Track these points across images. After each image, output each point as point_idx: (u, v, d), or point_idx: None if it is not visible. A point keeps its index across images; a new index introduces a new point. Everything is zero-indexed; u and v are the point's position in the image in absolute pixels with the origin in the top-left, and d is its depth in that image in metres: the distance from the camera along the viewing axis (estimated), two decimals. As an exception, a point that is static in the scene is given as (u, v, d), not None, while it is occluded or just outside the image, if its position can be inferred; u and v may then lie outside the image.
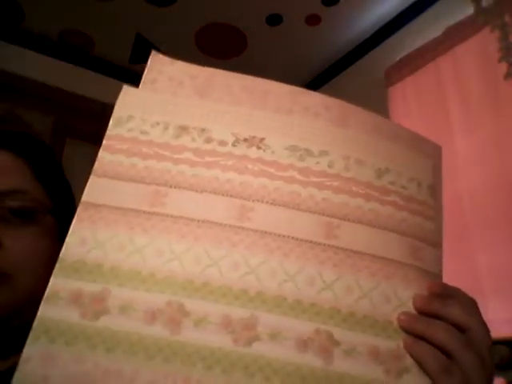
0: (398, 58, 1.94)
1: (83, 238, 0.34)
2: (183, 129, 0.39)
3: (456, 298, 0.35)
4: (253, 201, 0.36)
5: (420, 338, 0.33)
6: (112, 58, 2.32)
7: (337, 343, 0.33)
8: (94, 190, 0.36)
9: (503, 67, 1.50)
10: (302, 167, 0.38)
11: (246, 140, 0.38)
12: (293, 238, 0.36)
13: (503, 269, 1.41)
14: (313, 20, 2.09)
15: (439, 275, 0.37)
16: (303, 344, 0.33)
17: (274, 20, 2.09)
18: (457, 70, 1.68)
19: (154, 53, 0.41)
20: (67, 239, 0.34)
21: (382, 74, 1.98)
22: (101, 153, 0.37)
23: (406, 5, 1.99)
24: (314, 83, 2.37)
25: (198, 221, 0.35)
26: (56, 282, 0.33)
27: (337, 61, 2.33)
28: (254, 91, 0.41)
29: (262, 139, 0.39)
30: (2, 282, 0.46)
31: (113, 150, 0.38)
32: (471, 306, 0.35)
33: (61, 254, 0.34)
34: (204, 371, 0.31)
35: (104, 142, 0.38)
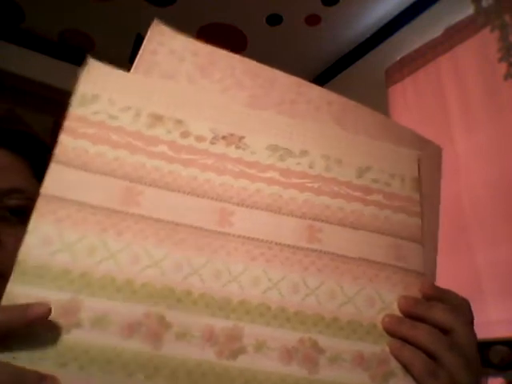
0: (398, 58, 1.94)
1: (47, 237, 0.30)
2: (157, 118, 0.35)
3: (443, 299, 0.35)
4: (233, 204, 0.35)
5: (405, 340, 0.33)
6: (112, 58, 2.32)
7: (321, 351, 0.32)
8: (56, 181, 0.32)
9: (503, 67, 1.49)
10: (283, 168, 0.37)
11: (224, 138, 0.36)
12: (275, 243, 0.34)
13: (503, 269, 1.41)
14: (313, 20, 2.09)
15: (427, 273, 0.37)
16: (288, 354, 0.32)
17: (274, 20, 2.09)
18: (457, 70, 1.68)
19: (155, 22, 0.39)
20: (26, 237, 0.30)
21: (382, 73, 1.98)
22: (62, 136, 0.33)
23: (406, 5, 1.98)
24: (314, 83, 2.35)
25: (177, 224, 0.33)
26: (14, 289, 0.28)
27: (337, 61, 2.33)
28: (257, 77, 0.39)
29: (242, 138, 0.37)
30: (1, 281, 0.46)
31: (76, 135, 0.33)
32: (459, 307, 0.35)
33: (19, 256, 0.29)
34: None
35: (66, 122, 0.33)
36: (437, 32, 1.77)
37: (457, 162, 1.57)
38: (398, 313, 0.34)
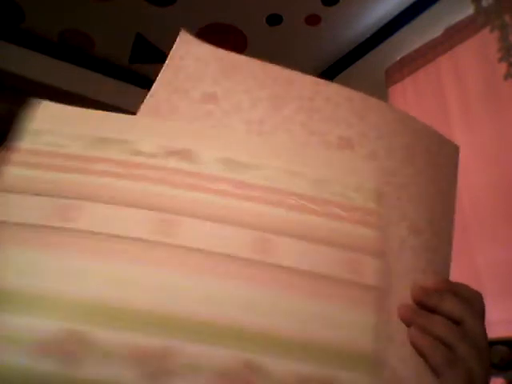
0: (398, 58, 1.94)
1: None
2: (106, 141, 0.36)
3: (455, 292, 0.35)
4: (181, 215, 0.33)
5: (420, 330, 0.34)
6: (112, 58, 2.32)
7: (260, 373, 0.29)
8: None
9: (503, 67, 1.49)
10: (237, 180, 0.36)
11: (175, 153, 0.36)
12: (223, 254, 0.32)
13: (503, 269, 1.41)
14: (313, 20, 2.09)
15: (379, 287, 0.35)
16: (226, 377, 0.29)
17: (274, 20, 2.09)
18: (457, 70, 1.68)
19: (182, 32, 0.41)
20: None
21: (382, 73, 1.98)
22: (5, 168, 0.34)
23: (406, 5, 1.99)
24: (314, 83, 2.36)
25: (114, 236, 0.31)
26: None
27: (337, 61, 2.33)
28: (277, 78, 0.40)
29: (193, 152, 0.36)
30: None
31: (26, 165, 0.34)
32: (470, 299, 0.35)
33: None
34: None
35: (12, 155, 0.35)
36: (437, 32, 1.77)
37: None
38: (348, 334, 0.32)
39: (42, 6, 2.02)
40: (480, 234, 1.49)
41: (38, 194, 0.33)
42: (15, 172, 0.34)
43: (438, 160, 0.42)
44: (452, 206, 0.41)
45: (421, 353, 0.33)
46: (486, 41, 1.57)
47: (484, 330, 0.34)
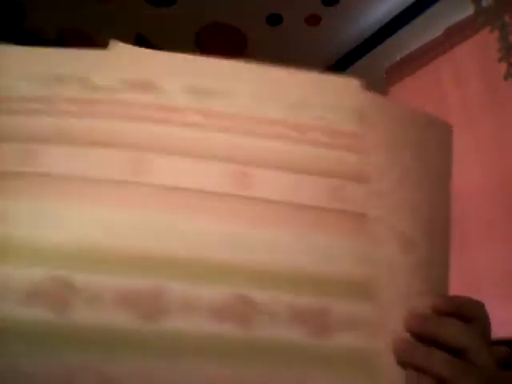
0: (398, 58, 1.94)
1: None
2: (58, 79, 0.33)
3: (456, 312, 0.32)
4: (150, 152, 0.31)
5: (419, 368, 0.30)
6: (112, 57, 2.32)
7: (256, 306, 0.29)
8: None
9: (503, 67, 1.49)
10: (204, 109, 0.33)
11: (136, 85, 0.33)
12: (200, 191, 0.31)
13: (503, 269, 1.41)
14: (313, 20, 2.08)
15: (367, 214, 0.33)
16: (219, 312, 0.28)
17: (274, 20, 2.08)
18: (457, 70, 1.68)
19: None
20: None
21: (382, 73, 1.98)
22: None
23: (406, 5, 1.98)
24: (314, 83, 2.36)
25: (86, 179, 0.30)
26: None
27: (337, 61, 2.33)
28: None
29: (155, 82, 0.33)
30: None
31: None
32: (473, 318, 0.32)
33: None
34: (104, 357, 0.26)
35: None
36: (437, 32, 1.77)
37: (456, 161, 1.57)
38: (336, 263, 0.31)
39: (43, 6, 2.02)
40: (479, 233, 1.49)
41: (4, 141, 0.31)
42: None
43: (428, 151, 0.38)
44: (447, 203, 0.37)
45: None
46: (486, 41, 1.56)
47: (490, 354, 0.31)
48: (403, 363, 0.30)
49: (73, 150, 0.31)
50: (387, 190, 0.34)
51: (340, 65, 2.31)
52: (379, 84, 1.96)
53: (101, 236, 0.28)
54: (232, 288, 0.29)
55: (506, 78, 1.48)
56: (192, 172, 0.31)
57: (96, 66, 0.34)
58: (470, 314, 0.32)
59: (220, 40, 2.18)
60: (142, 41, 2.22)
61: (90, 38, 2.21)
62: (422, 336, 0.31)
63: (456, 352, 0.30)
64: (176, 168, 0.31)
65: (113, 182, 0.30)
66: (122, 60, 0.35)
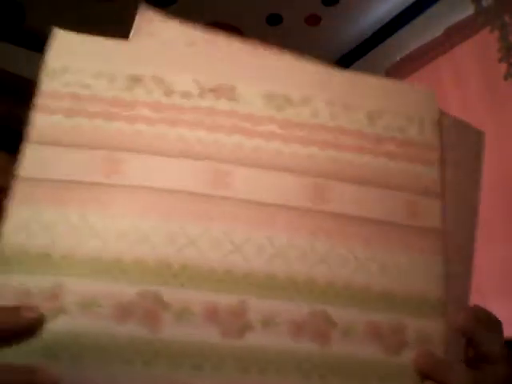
0: (398, 58, 1.94)
1: (24, 221, 0.28)
2: (135, 79, 0.32)
3: (484, 323, 0.33)
4: (229, 163, 0.31)
5: None
6: (112, 58, 2.32)
7: (334, 323, 0.30)
8: (31, 162, 0.30)
9: (503, 67, 1.49)
10: (282, 119, 0.33)
11: (212, 90, 0.32)
12: (278, 205, 0.31)
13: (503, 269, 1.41)
14: (313, 20, 2.08)
15: (441, 230, 0.33)
16: (298, 328, 0.29)
17: (274, 20, 2.08)
18: (457, 70, 1.68)
19: (142, 9, 0.35)
20: (4, 224, 0.28)
21: (382, 73, 1.98)
22: (34, 115, 0.30)
23: (406, 5, 1.98)
24: (314, 83, 2.36)
25: (166, 191, 0.30)
26: None
27: (337, 61, 2.33)
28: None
29: (233, 87, 0.33)
30: None
31: (48, 111, 0.31)
32: (501, 333, 0.34)
33: None
34: (192, 371, 0.27)
35: (36, 101, 0.31)
36: (437, 32, 1.77)
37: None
38: (410, 280, 0.32)
39: (43, 6, 2.02)
40: (480, 233, 1.49)
41: (75, 146, 0.30)
42: (45, 121, 0.30)
43: (420, 97, 0.37)
44: (474, 204, 0.36)
45: None
46: (486, 41, 1.56)
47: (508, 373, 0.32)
48: (423, 374, 0.30)
49: (155, 160, 0.30)
50: (450, 205, 0.34)
51: (340, 65, 2.30)
52: (379, 84, 1.96)
53: (189, 253, 0.29)
54: (311, 304, 0.30)
55: (506, 78, 1.48)
56: (269, 186, 0.31)
57: (171, 67, 0.33)
58: (487, 345, 0.33)
59: (220, 40, 2.17)
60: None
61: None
62: (463, 333, 0.32)
63: (481, 358, 0.31)
64: (254, 181, 0.31)
65: (197, 195, 0.30)
66: (200, 62, 0.33)
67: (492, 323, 0.33)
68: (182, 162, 0.30)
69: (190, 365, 0.27)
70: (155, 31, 0.34)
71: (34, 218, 0.28)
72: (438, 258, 0.33)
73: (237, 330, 0.28)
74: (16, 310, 0.26)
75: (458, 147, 0.36)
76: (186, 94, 0.32)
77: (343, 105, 0.34)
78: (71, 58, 0.32)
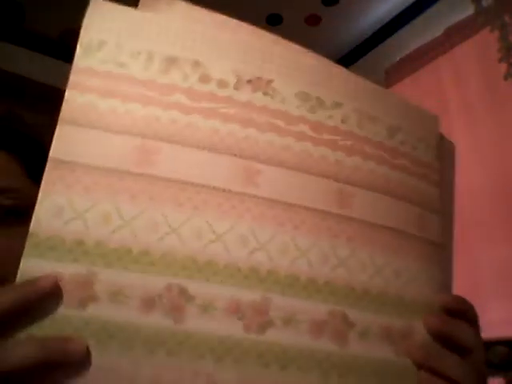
0: (397, 58, 1.94)
1: (58, 207, 0.27)
2: (172, 61, 0.31)
3: (463, 314, 0.35)
4: (259, 162, 0.31)
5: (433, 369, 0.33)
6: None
7: (351, 324, 0.31)
8: (63, 144, 0.28)
9: (503, 67, 1.49)
10: (314, 121, 0.33)
11: (250, 82, 0.32)
12: (304, 207, 0.31)
13: (503, 269, 1.41)
14: (313, 20, 2.09)
15: (442, 244, 0.36)
16: (318, 327, 0.30)
17: (274, 20, 2.08)
18: (457, 70, 1.68)
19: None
20: (37, 208, 0.27)
21: (382, 73, 1.98)
22: (68, 92, 0.29)
23: (406, 5, 1.98)
24: (314, 83, 2.36)
25: (197, 185, 0.29)
26: (28, 265, 0.27)
27: (337, 61, 2.32)
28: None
29: (270, 81, 0.32)
30: None
31: (83, 89, 0.29)
32: (474, 321, 0.35)
33: (31, 228, 0.27)
34: (214, 363, 0.27)
35: (71, 77, 0.30)
36: (437, 32, 1.77)
37: (456, 161, 1.57)
38: (422, 284, 0.34)
39: (43, 6, 2.02)
40: (480, 233, 1.49)
41: (109, 131, 0.29)
42: (79, 100, 0.29)
43: (428, 120, 0.39)
44: (451, 207, 0.39)
45: None
46: (486, 41, 1.56)
47: (485, 352, 0.35)
48: (418, 364, 0.32)
49: (188, 152, 0.30)
50: (444, 221, 0.37)
51: (340, 65, 2.31)
52: (379, 84, 1.96)
53: (215, 249, 0.29)
54: (330, 305, 0.31)
55: (506, 78, 1.48)
56: (296, 187, 0.32)
57: (210, 51, 0.32)
58: (471, 316, 0.35)
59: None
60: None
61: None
62: (438, 335, 0.34)
63: (463, 351, 0.33)
64: (281, 182, 0.31)
65: (228, 191, 0.30)
66: (240, 49, 0.32)
67: (468, 314, 0.35)
68: (213, 156, 0.30)
69: (213, 357, 0.27)
70: (165, 9, 0.32)
71: (65, 203, 0.28)
72: (440, 267, 0.35)
73: (259, 325, 0.29)
74: (34, 281, 0.26)
75: (441, 162, 0.39)
76: (222, 83, 0.31)
77: (369, 115, 0.35)
78: (108, 32, 0.30)
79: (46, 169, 0.28)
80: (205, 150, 0.30)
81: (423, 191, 0.36)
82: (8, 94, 2.03)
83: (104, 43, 0.30)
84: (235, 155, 0.31)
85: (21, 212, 0.48)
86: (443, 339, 0.34)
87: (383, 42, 2.09)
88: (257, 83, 0.32)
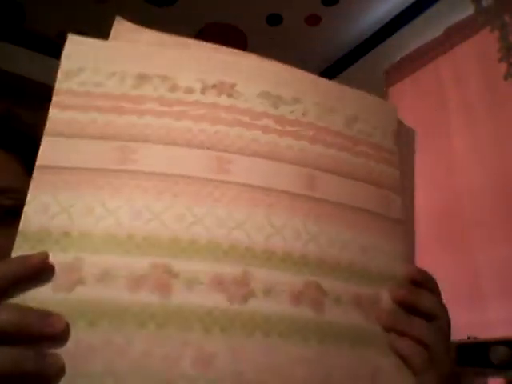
0: (398, 58, 1.94)
1: (43, 204, 0.30)
2: (143, 78, 0.35)
3: (426, 284, 0.37)
4: (230, 152, 0.34)
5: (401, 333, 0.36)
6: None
7: (325, 293, 0.34)
8: (49, 152, 0.32)
9: (503, 67, 1.49)
10: (277, 115, 0.37)
11: (214, 86, 0.36)
12: (276, 190, 0.34)
13: (503, 269, 1.41)
14: (313, 20, 2.09)
15: (405, 221, 0.39)
16: (295, 297, 0.32)
17: (274, 20, 2.09)
18: (457, 70, 1.68)
19: (118, 20, 0.39)
20: (25, 208, 0.30)
21: (382, 73, 1.98)
22: (51, 111, 0.33)
23: (406, 5, 1.98)
24: (314, 83, 2.36)
25: (175, 176, 0.33)
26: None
27: (336, 61, 2.33)
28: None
29: (233, 85, 0.36)
30: None
31: (64, 107, 0.33)
32: (437, 290, 0.38)
33: (20, 226, 0.30)
34: (202, 334, 0.29)
35: (53, 98, 0.34)
36: (437, 32, 1.77)
37: (456, 161, 1.57)
38: (389, 260, 0.37)
39: (43, 6, 2.02)
40: (479, 233, 1.49)
41: (91, 138, 0.33)
42: (61, 116, 0.33)
43: (384, 109, 0.43)
44: (411, 192, 0.43)
45: (401, 355, 0.35)
46: (486, 41, 1.57)
47: (448, 317, 0.37)
48: (387, 328, 0.35)
49: (164, 149, 0.33)
50: (405, 199, 0.41)
51: (340, 65, 2.31)
52: (379, 84, 1.96)
53: (196, 230, 0.32)
54: (306, 276, 0.33)
55: (505, 78, 1.48)
56: (267, 172, 0.35)
57: (177, 65, 0.36)
58: (433, 286, 0.38)
59: (220, 40, 2.17)
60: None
61: (90, 38, 2.21)
62: (404, 305, 0.36)
63: (428, 317, 0.36)
64: (253, 168, 0.35)
65: (203, 179, 0.33)
66: (202, 61, 0.37)
67: (429, 284, 0.38)
68: (188, 150, 0.34)
69: (201, 327, 0.29)
70: (135, 38, 0.38)
71: (52, 201, 0.30)
72: (402, 241, 0.39)
73: (241, 297, 0.31)
74: (24, 256, 0.29)
75: (400, 147, 0.43)
76: (189, 90, 0.35)
77: (327, 108, 0.39)
78: (86, 60, 0.35)
79: (33, 175, 0.31)
80: (179, 146, 0.33)
81: (385, 173, 0.40)
82: (8, 93, 2.03)
83: (82, 69, 0.34)
84: (208, 148, 0.34)
85: (21, 212, 0.48)
86: (409, 307, 0.36)
87: (383, 42, 2.10)
88: (221, 87, 0.36)
